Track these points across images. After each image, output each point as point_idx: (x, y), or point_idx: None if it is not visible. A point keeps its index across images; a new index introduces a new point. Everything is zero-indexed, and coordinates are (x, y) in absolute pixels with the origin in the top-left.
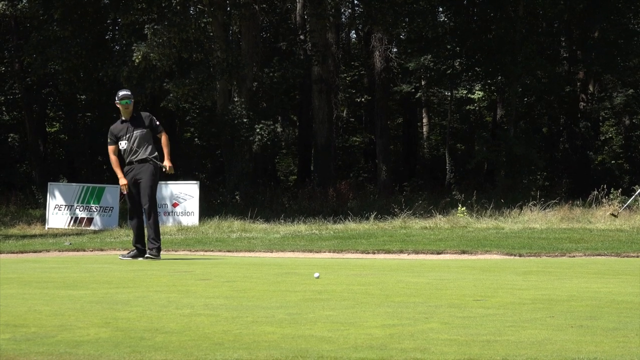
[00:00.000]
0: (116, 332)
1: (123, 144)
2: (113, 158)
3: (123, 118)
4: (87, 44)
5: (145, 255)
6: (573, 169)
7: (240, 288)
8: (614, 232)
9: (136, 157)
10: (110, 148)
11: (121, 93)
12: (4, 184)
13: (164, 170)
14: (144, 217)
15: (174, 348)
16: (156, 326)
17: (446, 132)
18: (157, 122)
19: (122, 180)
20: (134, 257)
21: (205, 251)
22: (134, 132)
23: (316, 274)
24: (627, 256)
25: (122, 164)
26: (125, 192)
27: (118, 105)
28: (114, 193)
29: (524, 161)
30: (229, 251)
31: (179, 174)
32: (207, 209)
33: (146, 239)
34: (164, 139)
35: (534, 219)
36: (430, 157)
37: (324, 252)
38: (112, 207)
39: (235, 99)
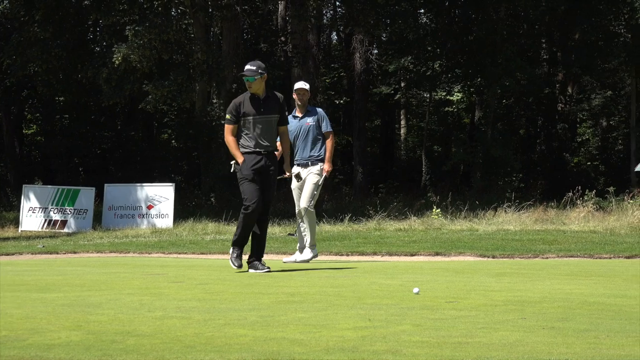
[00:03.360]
0: (87, 335)
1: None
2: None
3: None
4: (67, 46)
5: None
6: (549, 170)
7: (213, 290)
8: (587, 234)
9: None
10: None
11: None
12: None
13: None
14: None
15: (145, 351)
16: (128, 329)
17: (424, 133)
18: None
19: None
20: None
21: (179, 254)
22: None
23: (416, 289)
24: (600, 257)
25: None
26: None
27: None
28: (89, 195)
29: (500, 163)
30: (202, 253)
31: (155, 176)
32: (182, 211)
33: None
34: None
35: (508, 221)
36: (406, 159)
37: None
38: (87, 210)
39: (214, 101)
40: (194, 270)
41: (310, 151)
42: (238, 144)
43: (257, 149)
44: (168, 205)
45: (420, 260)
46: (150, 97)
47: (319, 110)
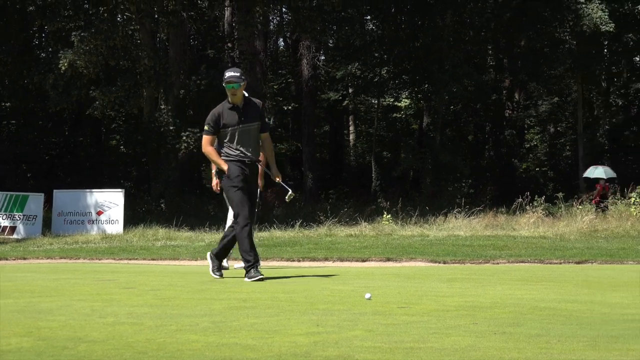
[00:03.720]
0: (38, 341)
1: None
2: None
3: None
4: (12, 51)
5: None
6: (498, 176)
7: (165, 296)
8: (537, 239)
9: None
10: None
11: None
12: None
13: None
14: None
15: (97, 357)
16: (79, 335)
17: (372, 139)
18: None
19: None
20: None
21: (130, 260)
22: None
23: (368, 295)
24: (550, 263)
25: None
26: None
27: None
28: (38, 202)
29: (449, 169)
30: (153, 259)
31: (104, 182)
32: (132, 217)
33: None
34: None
35: (459, 226)
36: (356, 165)
37: None
38: (36, 216)
39: (162, 107)
40: (145, 276)
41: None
42: (220, 153)
43: (241, 158)
44: (118, 211)
45: (372, 266)
46: (97, 102)
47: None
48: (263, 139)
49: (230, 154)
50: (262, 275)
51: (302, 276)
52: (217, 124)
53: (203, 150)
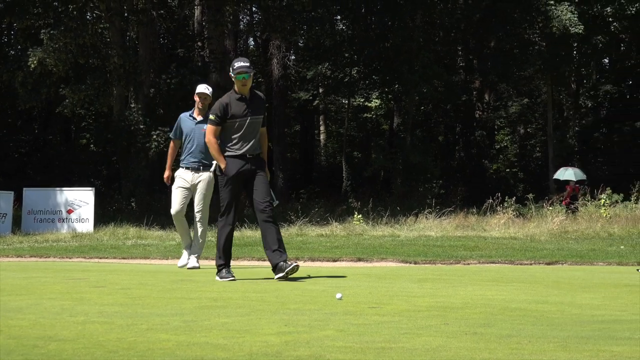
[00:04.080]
0: (8, 340)
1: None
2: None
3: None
4: None
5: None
6: (468, 177)
7: (135, 295)
8: (507, 240)
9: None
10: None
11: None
12: None
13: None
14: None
15: (67, 356)
16: (49, 334)
17: (343, 139)
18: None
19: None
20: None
21: (100, 258)
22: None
23: (339, 295)
24: (521, 264)
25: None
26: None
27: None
28: (8, 200)
29: (420, 169)
30: (124, 258)
31: (74, 180)
32: (102, 216)
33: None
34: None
35: (430, 227)
36: (327, 165)
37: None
38: (6, 214)
39: (132, 105)
40: (116, 275)
41: (203, 156)
42: (220, 147)
43: (243, 152)
44: (88, 210)
45: (343, 266)
46: (67, 101)
47: None
48: (262, 133)
49: (233, 148)
50: (233, 276)
51: (269, 277)
52: (225, 113)
53: (206, 139)
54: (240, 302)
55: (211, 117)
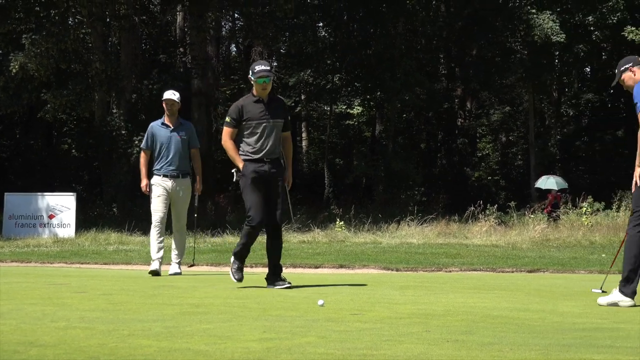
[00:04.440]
0: None
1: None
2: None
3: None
4: None
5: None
6: (450, 184)
7: (117, 301)
8: (489, 248)
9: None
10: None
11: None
12: None
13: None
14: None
15: None
16: (30, 339)
17: (325, 146)
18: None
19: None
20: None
21: (82, 264)
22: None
23: (320, 302)
24: (502, 271)
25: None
26: None
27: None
28: None
29: (402, 176)
30: (105, 264)
31: (55, 185)
32: (84, 221)
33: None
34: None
35: (412, 234)
36: (309, 172)
37: (202, 265)
38: None
39: (114, 111)
40: (97, 280)
41: (180, 164)
42: (238, 150)
43: (260, 156)
44: (69, 215)
45: (325, 273)
46: (49, 105)
47: (191, 124)
48: (284, 137)
49: (248, 152)
50: (236, 279)
51: (256, 285)
52: (240, 115)
53: (222, 142)
54: (222, 308)
55: (227, 119)
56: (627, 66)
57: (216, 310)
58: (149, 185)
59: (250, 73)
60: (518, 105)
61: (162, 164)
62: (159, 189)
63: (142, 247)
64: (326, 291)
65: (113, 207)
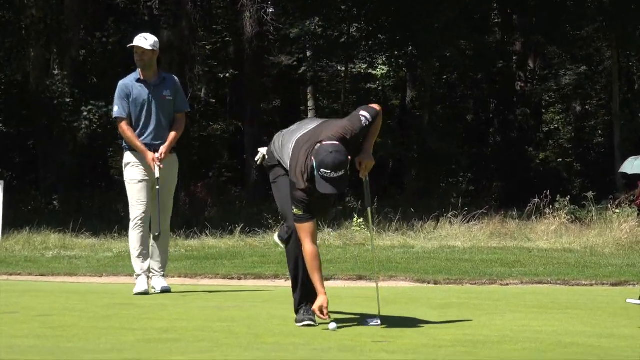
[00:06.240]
0: None
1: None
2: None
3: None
4: None
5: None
6: (507, 169)
7: (58, 324)
8: (560, 253)
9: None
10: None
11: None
12: None
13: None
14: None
15: None
16: None
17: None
18: None
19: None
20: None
21: (11, 275)
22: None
23: (332, 325)
24: (578, 284)
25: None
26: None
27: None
28: None
29: (441, 158)
30: (42, 275)
31: None
32: (14, 218)
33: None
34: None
35: (455, 235)
36: None
37: (172, 276)
38: None
39: (56, 72)
40: (32, 297)
41: (165, 134)
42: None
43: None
44: None
45: (338, 286)
46: None
47: (176, 79)
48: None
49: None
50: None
51: (246, 303)
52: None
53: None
54: (200, 334)
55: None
56: None
57: (191, 337)
58: (126, 165)
59: None
60: (597, 64)
61: (140, 136)
62: (137, 170)
63: (92, 252)
64: (340, 310)
65: (53, 199)
